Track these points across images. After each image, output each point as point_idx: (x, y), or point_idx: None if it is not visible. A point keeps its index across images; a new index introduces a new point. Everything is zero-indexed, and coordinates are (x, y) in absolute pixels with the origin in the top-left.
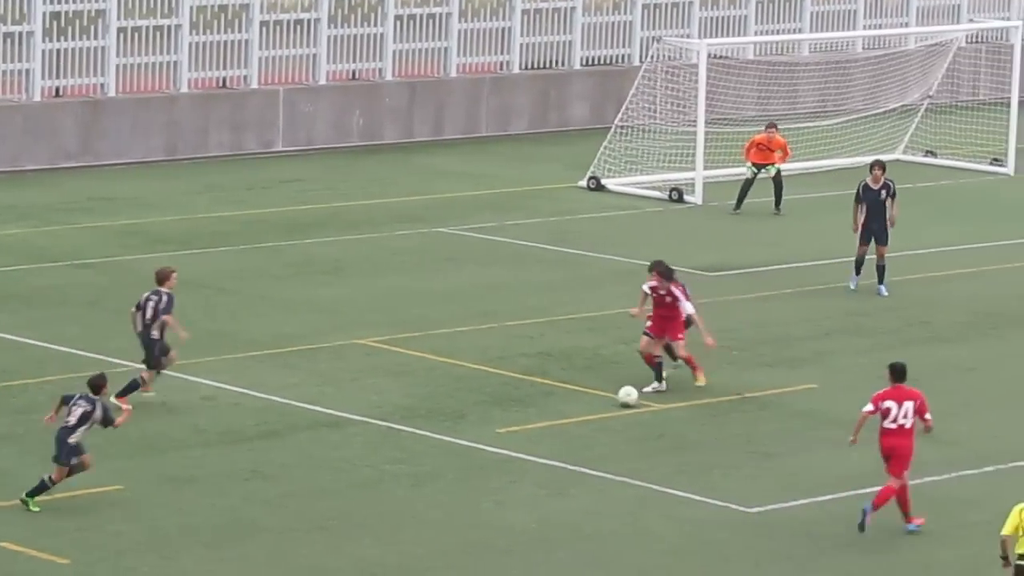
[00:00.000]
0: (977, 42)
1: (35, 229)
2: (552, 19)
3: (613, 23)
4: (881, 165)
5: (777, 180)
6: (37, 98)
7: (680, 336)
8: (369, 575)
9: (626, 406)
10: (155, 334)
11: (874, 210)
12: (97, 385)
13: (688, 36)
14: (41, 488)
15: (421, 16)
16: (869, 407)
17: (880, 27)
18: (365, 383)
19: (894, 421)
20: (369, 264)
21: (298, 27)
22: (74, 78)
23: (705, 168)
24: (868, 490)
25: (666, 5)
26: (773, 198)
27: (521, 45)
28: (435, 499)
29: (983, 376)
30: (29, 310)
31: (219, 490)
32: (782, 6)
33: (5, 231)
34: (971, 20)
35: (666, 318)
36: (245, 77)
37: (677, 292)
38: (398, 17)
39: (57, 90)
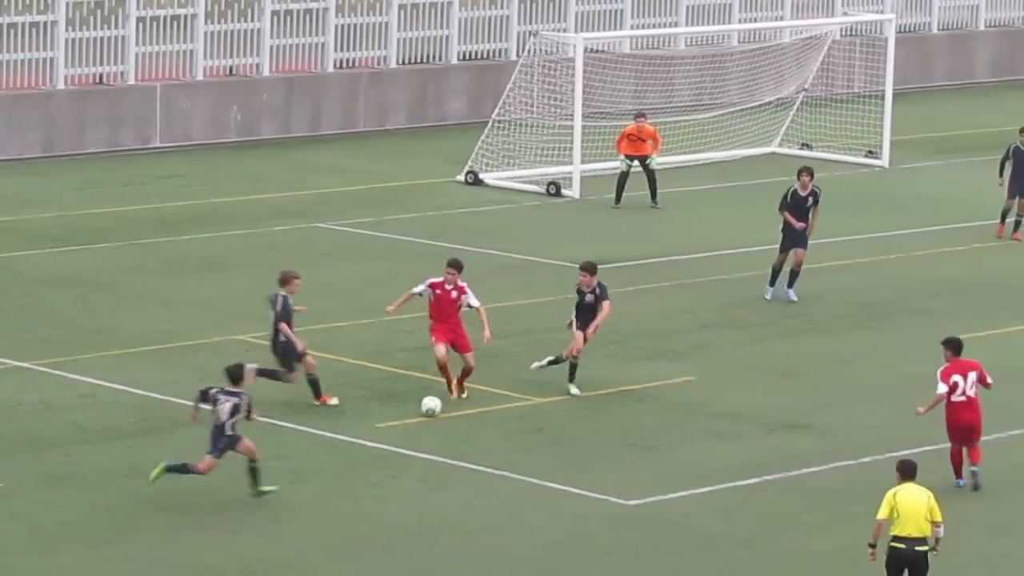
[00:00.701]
0: (851, 35)
1: None
2: (429, 14)
3: (490, 17)
4: (810, 172)
5: (649, 172)
6: None
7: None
8: (250, 571)
9: (430, 413)
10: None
11: (799, 216)
12: (237, 376)
13: (564, 30)
14: (183, 471)
15: (298, 12)
16: (943, 387)
17: (755, 20)
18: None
19: (963, 394)
20: (247, 260)
21: (175, 23)
22: None
23: (582, 162)
24: (747, 482)
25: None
26: (648, 191)
27: (398, 40)
28: (315, 494)
29: (859, 367)
30: None
31: (98, 487)
32: (658, 0)
33: None
34: (845, 13)
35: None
36: (122, 73)
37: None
38: (275, 13)
39: None
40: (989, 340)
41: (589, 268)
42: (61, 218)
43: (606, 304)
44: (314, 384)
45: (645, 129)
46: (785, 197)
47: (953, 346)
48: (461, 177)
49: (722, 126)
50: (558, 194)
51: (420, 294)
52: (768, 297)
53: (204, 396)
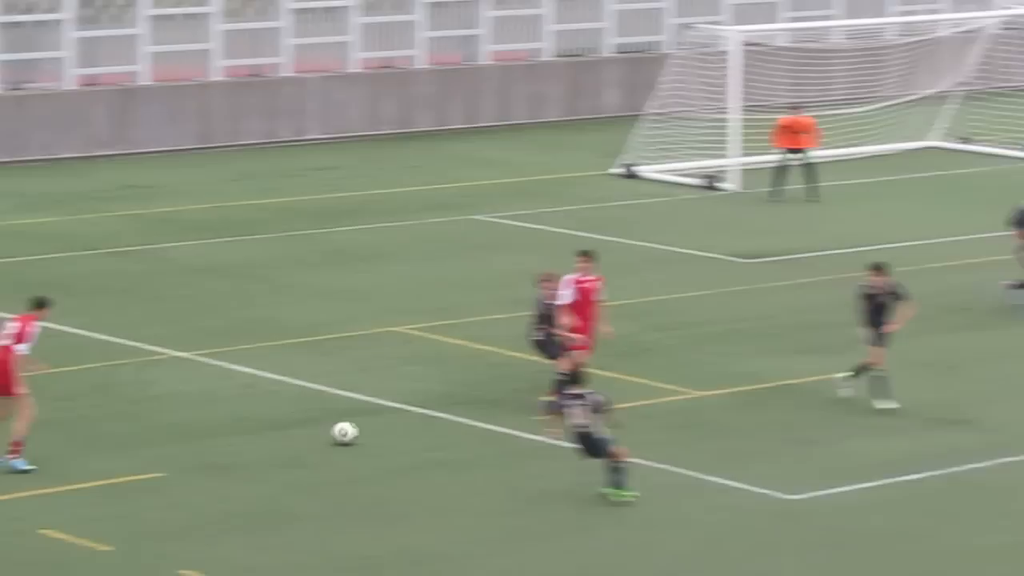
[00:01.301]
0: (1010, 28)
1: (70, 217)
2: (584, 6)
3: (645, 10)
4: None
5: (807, 165)
6: (70, 86)
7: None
8: (409, 563)
9: (342, 441)
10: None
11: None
12: (578, 376)
13: (720, 23)
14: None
15: (451, 4)
16: None
17: (913, 14)
18: (402, 371)
19: None
20: (404, 252)
21: (328, 15)
22: (106, 66)
23: (739, 155)
24: (909, 477)
25: None
26: (806, 184)
27: (553, 32)
28: (474, 486)
29: (1022, 363)
30: (66, 298)
31: (259, 477)
32: None
33: (40, 219)
34: (1004, 7)
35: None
36: (278, 65)
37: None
38: (428, 5)
39: (90, 78)
40: None
41: (879, 268)
42: (218, 209)
43: (906, 304)
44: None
45: (801, 121)
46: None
47: None
48: (616, 170)
49: (879, 119)
50: (715, 187)
51: (570, 299)
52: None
53: (556, 409)
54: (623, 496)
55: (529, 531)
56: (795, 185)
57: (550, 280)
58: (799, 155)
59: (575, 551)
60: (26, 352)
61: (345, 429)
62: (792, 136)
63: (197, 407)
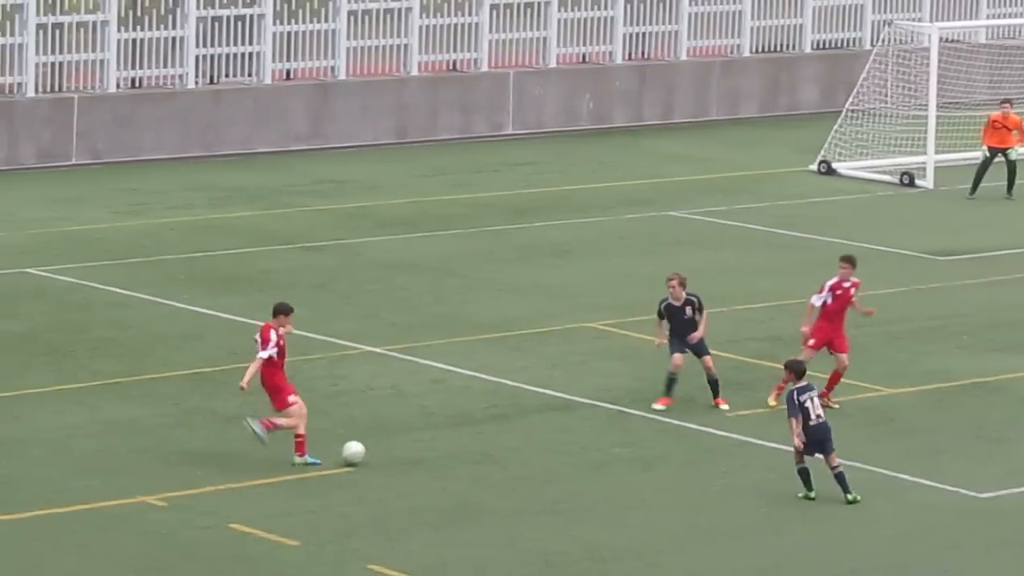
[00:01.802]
0: None
1: (265, 212)
2: (783, 2)
3: (844, 6)
4: None
5: (1010, 163)
6: (268, 81)
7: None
8: (597, 558)
9: (349, 463)
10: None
11: None
12: (800, 371)
13: (919, 19)
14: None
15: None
16: None
17: None
18: (594, 366)
19: None
20: (597, 248)
21: (528, 10)
22: (304, 61)
23: (936, 152)
24: None
25: None
26: (1006, 182)
27: (752, 28)
28: (663, 483)
29: None
30: (260, 293)
31: (448, 473)
32: None
33: (236, 213)
34: None
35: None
36: (475, 60)
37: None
38: (628, 0)
39: (288, 73)
40: None
41: None
42: (412, 204)
43: None
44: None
45: (1011, 118)
46: None
47: None
48: (814, 167)
49: None
50: (912, 184)
51: (824, 303)
52: None
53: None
54: (852, 501)
55: (717, 528)
56: (994, 183)
57: (676, 280)
58: (1003, 153)
59: (764, 548)
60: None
61: (354, 456)
62: (1000, 133)
63: (387, 402)
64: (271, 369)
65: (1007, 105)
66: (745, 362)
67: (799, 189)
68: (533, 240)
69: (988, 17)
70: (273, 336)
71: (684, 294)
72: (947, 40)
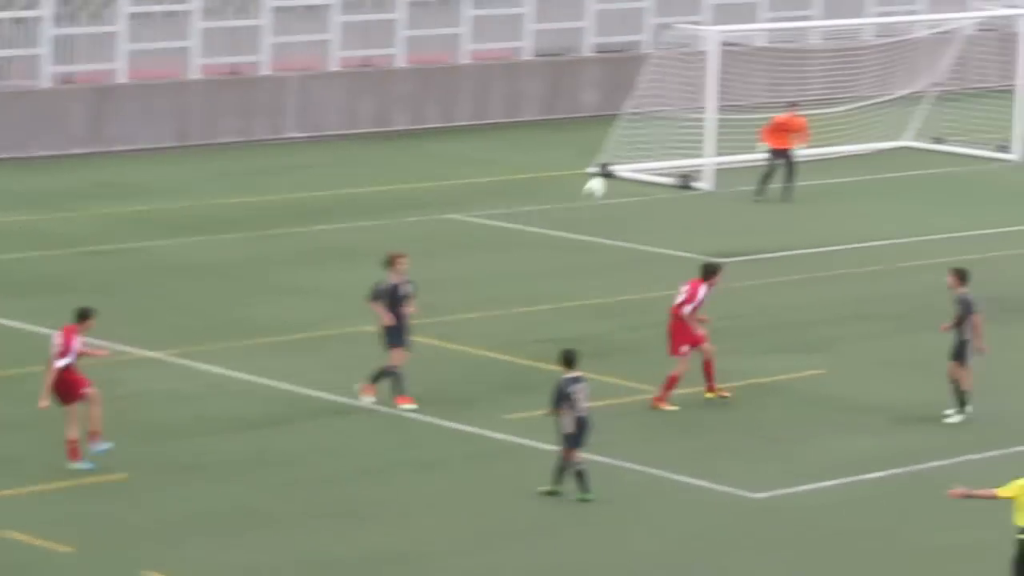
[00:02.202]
0: (985, 30)
1: (43, 216)
2: (564, 5)
3: (625, 10)
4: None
5: (790, 165)
6: (46, 84)
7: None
8: (377, 563)
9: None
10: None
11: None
12: (571, 359)
13: (699, 23)
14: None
15: (433, 2)
16: None
17: (890, 15)
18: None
19: None
20: (380, 251)
21: (308, 14)
22: (84, 64)
23: (715, 155)
24: (874, 475)
25: None
26: (785, 184)
27: (533, 31)
28: (443, 486)
29: (990, 361)
30: (37, 298)
31: (225, 477)
32: None
33: (13, 217)
34: (979, 8)
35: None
36: (256, 63)
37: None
38: (412, 4)
39: (66, 76)
40: None
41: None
42: (193, 207)
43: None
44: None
45: (795, 121)
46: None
47: None
48: (592, 169)
49: (855, 120)
50: (690, 187)
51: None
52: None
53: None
54: (589, 497)
55: (497, 531)
56: (776, 184)
57: (398, 262)
58: (786, 155)
59: (543, 551)
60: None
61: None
62: (781, 135)
63: (164, 407)
64: (68, 374)
65: (793, 108)
66: (524, 365)
67: (578, 192)
68: (315, 243)
69: (766, 21)
70: (76, 342)
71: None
72: (726, 44)
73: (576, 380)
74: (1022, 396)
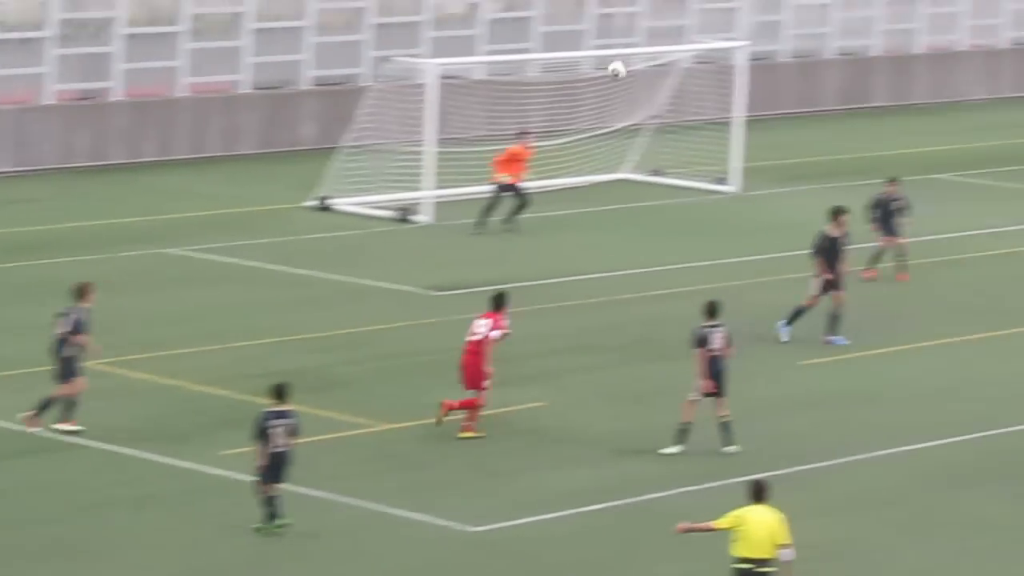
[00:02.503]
0: (703, 62)
1: None
2: (283, 39)
3: (343, 43)
4: (842, 212)
5: (521, 196)
6: None
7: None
8: None
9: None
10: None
11: (833, 259)
12: (282, 393)
13: (417, 56)
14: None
15: (151, 36)
16: None
17: (608, 47)
18: (89, 406)
19: None
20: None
21: (23, 46)
22: None
23: (435, 188)
24: (594, 507)
25: (396, 25)
26: (510, 215)
27: (251, 64)
28: (156, 522)
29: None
30: None
31: None
32: (511, 26)
33: None
34: (697, 41)
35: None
36: None
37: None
38: (128, 37)
39: None
40: (835, 365)
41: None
42: None
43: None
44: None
45: (524, 152)
46: (818, 243)
47: None
48: (310, 203)
49: (574, 152)
50: (409, 220)
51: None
52: (785, 338)
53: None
54: (278, 527)
55: (211, 567)
56: (500, 216)
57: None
58: (514, 187)
59: None
60: None
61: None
62: (511, 165)
63: None
64: None
65: (525, 138)
66: (242, 400)
67: (296, 225)
68: (30, 279)
69: (485, 54)
70: None
71: None
72: (445, 77)
73: (278, 415)
74: (739, 425)
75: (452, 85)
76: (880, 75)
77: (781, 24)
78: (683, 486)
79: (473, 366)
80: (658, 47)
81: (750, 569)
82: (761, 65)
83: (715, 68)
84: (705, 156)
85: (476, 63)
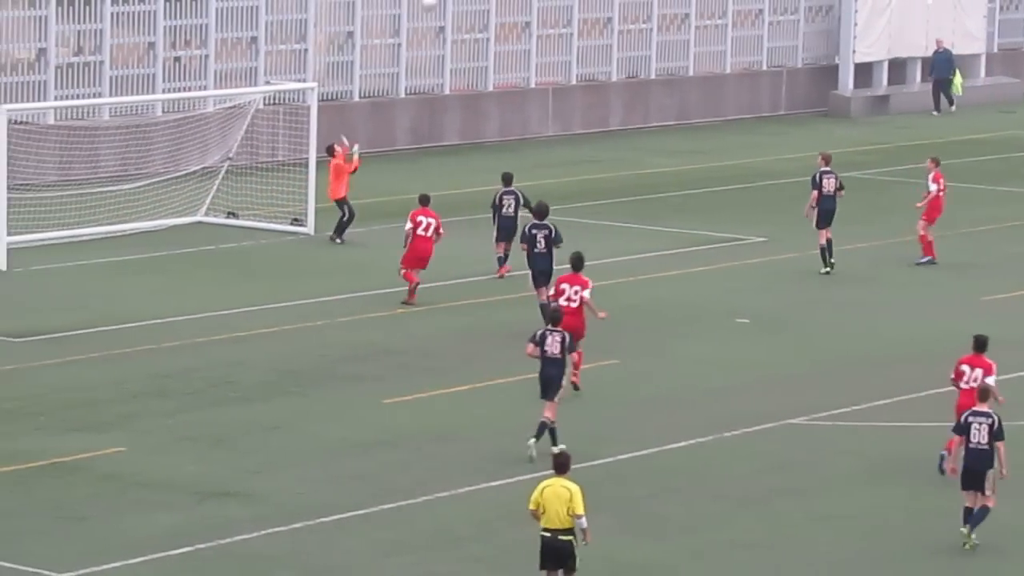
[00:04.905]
0: (275, 103)
1: None
2: None
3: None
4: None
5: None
6: None
7: None
8: None
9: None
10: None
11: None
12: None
13: None
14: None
15: None
16: None
17: (180, 90)
18: None
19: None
20: None
21: None
22: None
23: (6, 235)
24: (179, 551)
25: None
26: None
27: None
28: None
29: (287, 433)
30: None
31: None
32: (82, 71)
33: None
34: (268, 82)
35: None
36: None
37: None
38: None
39: None
40: (416, 403)
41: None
42: None
43: None
44: None
45: (343, 164)
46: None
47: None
48: None
49: (148, 196)
50: None
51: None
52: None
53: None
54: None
55: None
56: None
57: None
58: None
59: None
60: None
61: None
62: (340, 179)
63: None
64: None
65: (336, 150)
66: None
67: None
68: None
69: (56, 98)
70: None
71: None
72: (16, 122)
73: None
74: (321, 466)
75: (22, 130)
76: (451, 113)
77: (352, 64)
78: (268, 528)
79: (576, 325)
80: (230, 89)
81: (549, 537)
82: (333, 105)
83: (288, 109)
84: (282, 197)
85: (45, 108)
